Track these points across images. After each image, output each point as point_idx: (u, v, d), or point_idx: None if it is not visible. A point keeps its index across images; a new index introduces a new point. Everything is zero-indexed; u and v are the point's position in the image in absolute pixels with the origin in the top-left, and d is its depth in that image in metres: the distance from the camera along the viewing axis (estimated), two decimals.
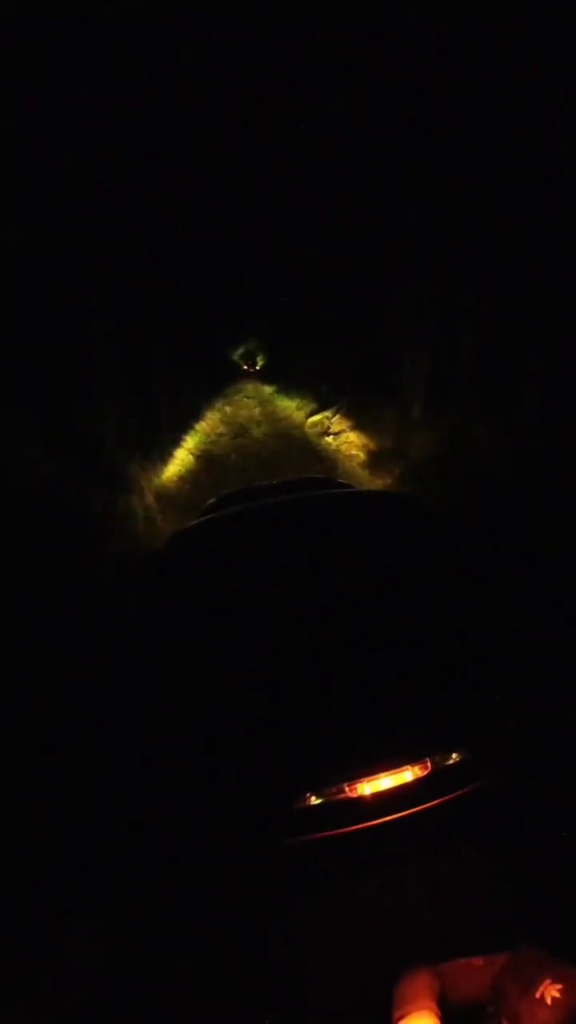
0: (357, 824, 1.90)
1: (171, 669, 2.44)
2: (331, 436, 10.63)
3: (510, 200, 4.71)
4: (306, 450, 10.43)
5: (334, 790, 1.94)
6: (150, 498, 7.52)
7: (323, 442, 10.60)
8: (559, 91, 3.93)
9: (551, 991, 1.07)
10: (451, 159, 4.98)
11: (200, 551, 3.11)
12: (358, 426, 9.99)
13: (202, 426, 10.96)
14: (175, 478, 8.94)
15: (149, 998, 1.86)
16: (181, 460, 9.56)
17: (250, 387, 12.86)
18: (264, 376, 13.30)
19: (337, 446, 10.25)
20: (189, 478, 9.11)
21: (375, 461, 8.91)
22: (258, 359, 13.47)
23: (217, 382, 11.99)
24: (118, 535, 5.81)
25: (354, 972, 1.80)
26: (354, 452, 9.73)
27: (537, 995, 1.08)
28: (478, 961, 1.24)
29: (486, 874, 2.04)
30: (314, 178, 6.81)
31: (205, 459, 9.97)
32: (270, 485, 4.92)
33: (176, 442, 9.72)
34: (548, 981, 1.09)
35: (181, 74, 4.94)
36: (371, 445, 9.30)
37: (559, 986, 1.08)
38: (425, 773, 1.95)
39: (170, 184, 6.14)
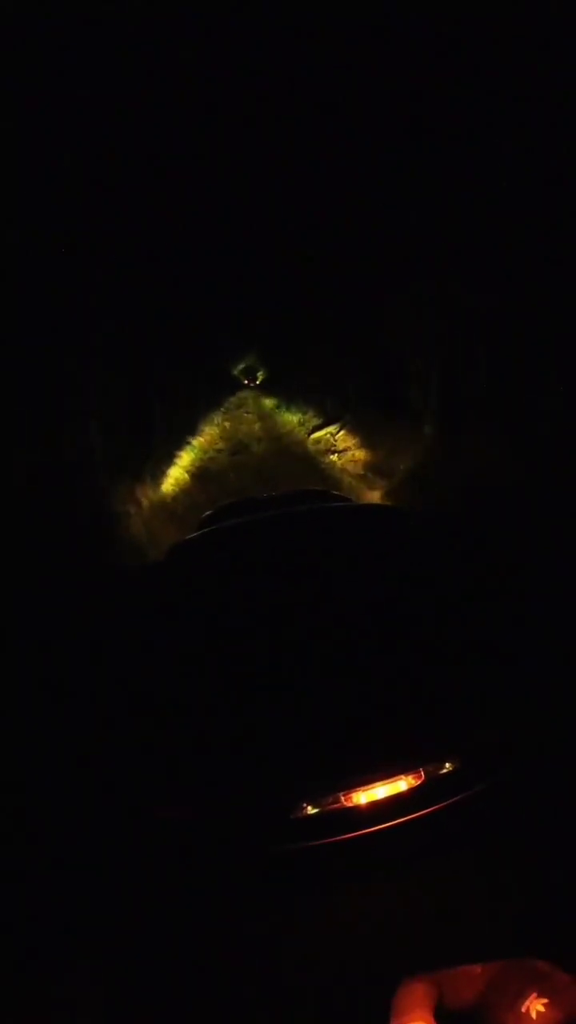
0: (353, 832, 1.98)
1: (167, 681, 2.54)
2: (336, 454, 10.66)
3: (510, 200, 4.88)
4: (309, 468, 10.46)
5: (330, 800, 2.01)
6: (139, 522, 7.48)
7: (327, 460, 10.64)
8: (559, 91, 4.13)
9: (536, 1005, 1.11)
10: (451, 159, 5.19)
11: (199, 563, 3.27)
12: (364, 443, 10.02)
13: (199, 441, 10.98)
14: (168, 498, 8.93)
15: (149, 1015, 1.90)
16: (175, 478, 9.57)
17: (250, 400, 13.00)
18: (264, 388, 13.44)
19: (342, 464, 10.27)
20: (183, 498, 9.10)
21: (381, 478, 8.91)
22: (259, 374, 13.71)
23: (216, 393, 12.11)
24: (103, 560, 5.78)
25: (352, 983, 1.83)
26: (361, 472, 9.73)
27: (523, 1009, 1.11)
28: (476, 968, 1.25)
29: (485, 880, 2.07)
30: (314, 178, 7.06)
31: (201, 477, 10.00)
32: (268, 497, 5.01)
33: (170, 458, 9.75)
34: (535, 995, 1.12)
35: (181, 74, 5.21)
36: (379, 463, 9.31)
37: (545, 1000, 1.11)
38: (419, 782, 2.04)
39: (170, 185, 6.37)
